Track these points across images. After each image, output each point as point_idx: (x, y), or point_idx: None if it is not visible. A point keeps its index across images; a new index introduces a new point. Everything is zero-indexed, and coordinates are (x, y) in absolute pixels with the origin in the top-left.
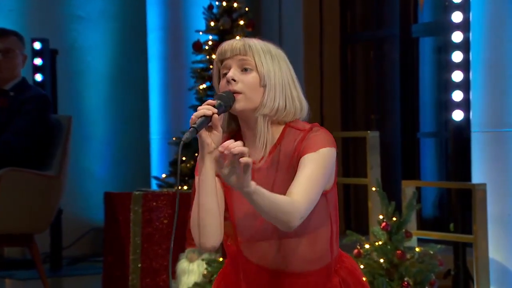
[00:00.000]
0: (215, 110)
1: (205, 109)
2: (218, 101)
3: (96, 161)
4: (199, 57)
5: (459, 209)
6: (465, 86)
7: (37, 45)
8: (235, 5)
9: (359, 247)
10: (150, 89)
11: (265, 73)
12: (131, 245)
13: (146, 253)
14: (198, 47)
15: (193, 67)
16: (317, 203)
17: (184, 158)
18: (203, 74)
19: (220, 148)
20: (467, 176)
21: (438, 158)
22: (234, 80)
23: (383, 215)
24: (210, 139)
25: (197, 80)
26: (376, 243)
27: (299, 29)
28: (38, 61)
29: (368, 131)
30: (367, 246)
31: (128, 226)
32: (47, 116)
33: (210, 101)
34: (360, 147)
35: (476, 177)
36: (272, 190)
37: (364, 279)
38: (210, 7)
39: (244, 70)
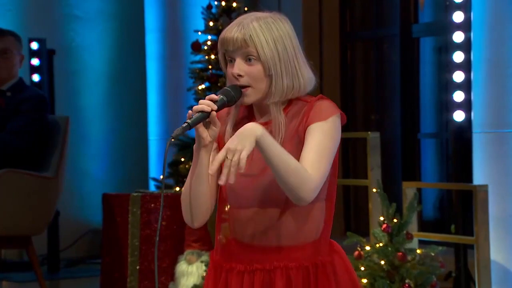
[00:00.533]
0: (215, 107)
1: (205, 105)
2: (221, 97)
3: (93, 162)
4: (198, 57)
5: (460, 210)
6: (466, 86)
7: (34, 45)
8: (234, 4)
9: (359, 249)
10: (148, 89)
11: (269, 61)
12: (129, 247)
13: (144, 255)
14: (196, 47)
15: (191, 67)
16: None
17: (182, 159)
18: (202, 75)
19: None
20: (469, 177)
21: (439, 159)
22: (240, 76)
23: (383, 217)
24: (206, 133)
25: (196, 81)
26: (377, 245)
27: (298, 28)
28: (35, 61)
29: (369, 132)
30: (367, 248)
31: (126, 228)
32: (44, 116)
33: (212, 96)
34: (360, 148)
35: (478, 178)
36: None
37: (354, 276)
38: (209, 6)
39: (248, 60)
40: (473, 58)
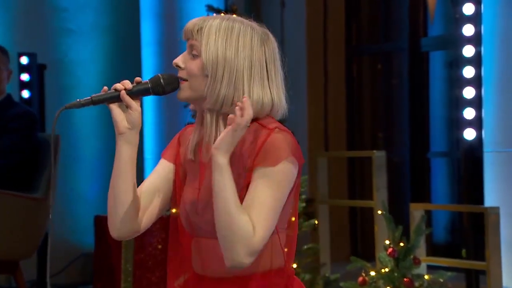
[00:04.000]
0: (129, 87)
1: (120, 83)
2: (146, 82)
3: (86, 183)
4: None
5: (471, 234)
6: (477, 103)
7: (24, 60)
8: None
9: (364, 275)
10: (144, 106)
11: (208, 60)
12: (123, 272)
13: (138, 281)
14: None
15: None
16: None
17: None
18: None
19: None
20: (480, 198)
21: (450, 179)
22: (179, 67)
23: (389, 240)
24: (122, 117)
25: None
26: (382, 270)
27: (301, 41)
28: (25, 77)
29: (374, 151)
30: (372, 273)
31: (119, 252)
32: (33, 134)
33: (137, 78)
34: (367, 167)
35: (489, 199)
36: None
37: None
38: None
39: (192, 54)
40: (484, 74)
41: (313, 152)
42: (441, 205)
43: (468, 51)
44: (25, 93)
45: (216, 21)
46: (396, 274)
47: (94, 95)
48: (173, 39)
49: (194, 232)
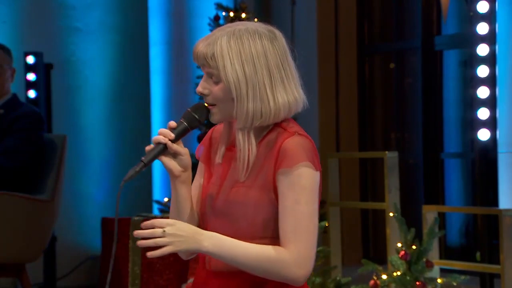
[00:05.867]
0: (171, 136)
1: (161, 135)
2: (181, 123)
3: (93, 184)
4: None
5: (485, 236)
6: (491, 103)
7: (30, 59)
8: (244, 15)
9: (375, 278)
10: (152, 106)
11: (231, 85)
12: (130, 275)
13: (146, 284)
14: None
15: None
16: (270, 211)
17: None
18: None
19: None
20: (494, 200)
21: (464, 181)
22: (204, 95)
23: (401, 243)
24: (173, 164)
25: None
26: (394, 274)
27: (313, 40)
28: (31, 76)
29: (386, 152)
30: (384, 276)
31: (127, 255)
32: (39, 135)
33: (171, 123)
34: (379, 169)
35: (504, 201)
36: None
37: None
38: (216, 18)
39: (213, 80)
40: (498, 73)
41: (324, 153)
42: (455, 207)
43: (482, 50)
44: (32, 93)
45: (224, 41)
46: (408, 278)
47: (143, 158)
48: (181, 38)
49: (208, 229)
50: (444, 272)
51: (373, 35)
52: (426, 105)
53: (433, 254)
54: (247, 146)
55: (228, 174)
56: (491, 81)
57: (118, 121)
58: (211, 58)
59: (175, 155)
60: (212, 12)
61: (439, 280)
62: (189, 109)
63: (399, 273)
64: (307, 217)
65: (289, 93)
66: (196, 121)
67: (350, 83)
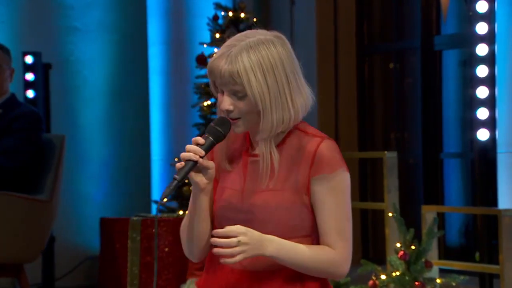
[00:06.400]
0: (202, 153)
1: (192, 152)
2: (208, 138)
3: (92, 184)
4: (203, 71)
5: (485, 236)
6: (490, 103)
7: (29, 59)
8: (242, 15)
9: (374, 278)
10: (151, 106)
11: (257, 98)
12: (129, 275)
13: (144, 284)
14: (202, 60)
15: (196, 82)
16: (302, 213)
17: (186, 181)
18: (208, 90)
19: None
20: (494, 200)
21: (463, 181)
22: (230, 111)
23: (400, 243)
24: (201, 178)
25: (201, 96)
26: (393, 274)
27: (312, 40)
28: (29, 76)
29: (385, 152)
30: (383, 276)
31: (125, 255)
32: (38, 135)
33: (198, 139)
34: (379, 169)
35: (503, 201)
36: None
37: None
38: (215, 17)
39: (237, 95)
40: (498, 73)
41: None
42: (454, 207)
43: (482, 49)
44: (30, 93)
45: (244, 56)
46: (407, 278)
47: (176, 176)
48: (180, 38)
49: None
50: (443, 272)
51: (373, 35)
52: (425, 105)
53: (432, 254)
54: (269, 153)
55: (247, 179)
56: (490, 81)
57: (117, 121)
58: (237, 75)
59: (202, 169)
60: (211, 12)
61: (438, 280)
62: (212, 124)
63: (398, 273)
64: (347, 219)
65: (303, 95)
66: (221, 136)
67: (349, 83)
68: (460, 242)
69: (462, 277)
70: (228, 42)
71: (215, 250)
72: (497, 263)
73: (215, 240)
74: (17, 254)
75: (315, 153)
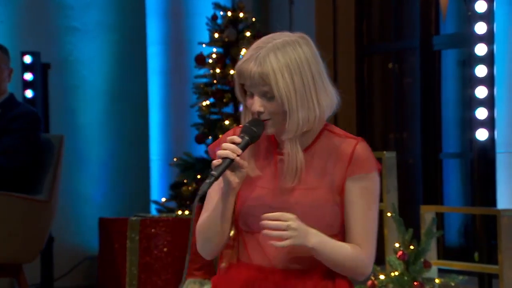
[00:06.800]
0: (239, 151)
1: (229, 150)
2: (244, 137)
3: (90, 184)
4: (202, 71)
5: (484, 236)
6: (489, 103)
7: (27, 59)
8: (241, 15)
9: (373, 278)
10: (150, 106)
11: (284, 99)
12: (127, 276)
13: (143, 284)
14: (201, 60)
15: (195, 82)
16: (334, 211)
17: (185, 181)
18: (207, 90)
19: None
20: (493, 200)
21: (463, 181)
22: (261, 113)
23: (399, 243)
24: (234, 177)
25: (200, 96)
26: (392, 274)
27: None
28: (28, 76)
29: (384, 152)
30: (382, 277)
31: (124, 255)
32: (36, 135)
33: (234, 138)
34: None
35: (502, 201)
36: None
37: None
38: (214, 17)
39: (266, 96)
40: (497, 73)
41: None
42: (453, 207)
43: (481, 49)
44: (29, 93)
45: (272, 57)
46: (406, 278)
47: (213, 172)
48: (179, 38)
49: (255, 229)
50: (442, 272)
51: (372, 35)
52: (424, 105)
53: (431, 254)
54: (295, 153)
55: (278, 177)
56: (489, 81)
57: (116, 121)
58: (266, 77)
59: (236, 168)
60: (210, 12)
61: (437, 281)
62: (248, 124)
63: (397, 273)
64: (374, 221)
65: (329, 95)
66: (256, 136)
67: (348, 83)
68: (459, 242)
69: (461, 277)
70: (255, 45)
71: (265, 231)
72: (496, 263)
73: (266, 222)
74: (15, 255)
75: (352, 154)
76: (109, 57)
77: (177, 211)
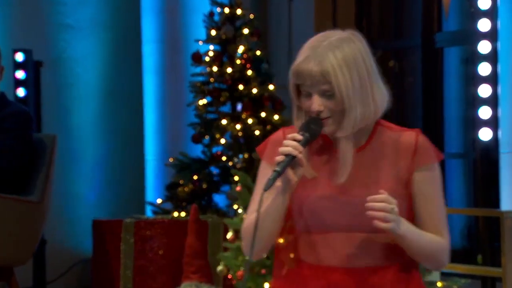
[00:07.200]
0: (301, 149)
1: (291, 147)
2: (305, 135)
3: (84, 185)
4: (199, 69)
5: (487, 239)
6: (493, 101)
7: (19, 57)
8: (239, 12)
9: None
10: (145, 105)
11: (344, 97)
12: (122, 279)
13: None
14: (197, 58)
15: (192, 80)
16: (402, 205)
17: (181, 182)
18: (203, 88)
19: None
20: (496, 202)
21: (465, 182)
22: (321, 111)
23: None
24: (293, 175)
25: (197, 95)
26: None
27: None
28: (20, 74)
29: None
30: None
31: (119, 258)
32: (28, 134)
33: (295, 135)
34: None
35: (506, 203)
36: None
37: None
38: (211, 14)
39: (325, 95)
40: (500, 71)
41: None
42: (456, 208)
43: (484, 47)
44: (21, 92)
45: (331, 56)
46: None
47: (277, 168)
48: (175, 35)
49: (323, 228)
50: (444, 275)
51: (372, 32)
52: (426, 104)
53: None
54: (349, 150)
55: (337, 175)
56: (493, 79)
57: (110, 120)
58: (327, 75)
59: (297, 165)
60: (206, 8)
61: (439, 284)
62: (308, 123)
63: None
64: (445, 209)
65: (382, 91)
66: (317, 134)
67: None
68: (462, 244)
69: (463, 281)
70: (308, 44)
71: (370, 212)
72: (499, 265)
73: (372, 204)
74: (7, 257)
75: (416, 146)
76: (103, 55)
77: (173, 212)
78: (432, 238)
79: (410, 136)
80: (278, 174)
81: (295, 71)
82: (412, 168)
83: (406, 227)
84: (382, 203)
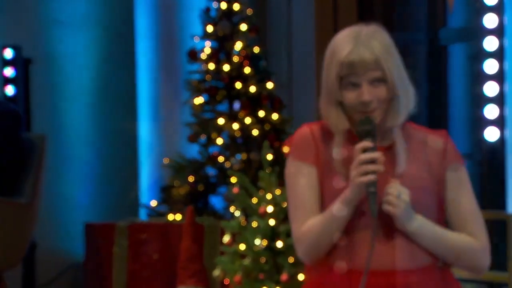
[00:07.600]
0: (382, 161)
1: (374, 163)
2: (372, 142)
3: (75, 187)
4: (195, 66)
5: (493, 242)
6: (499, 100)
7: (8, 53)
8: (236, 7)
9: None
10: (138, 104)
11: (395, 82)
12: (115, 284)
13: None
14: (193, 55)
15: (188, 78)
16: (429, 205)
17: (176, 183)
18: (199, 86)
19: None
20: (502, 204)
21: (473, 183)
22: (372, 101)
23: None
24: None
25: (193, 93)
26: None
27: (310, 34)
28: (9, 72)
29: None
30: None
31: (111, 262)
32: (17, 134)
33: (366, 145)
34: None
35: None
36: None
37: None
38: (207, 9)
39: (374, 83)
40: (508, 68)
41: None
42: None
43: (490, 43)
44: (10, 90)
45: (377, 43)
46: None
47: (371, 189)
48: (170, 32)
49: (361, 223)
50: None
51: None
52: (431, 103)
53: None
54: (401, 141)
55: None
56: (499, 77)
57: (102, 120)
58: (379, 61)
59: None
60: (203, 3)
61: None
62: (363, 126)
63: None
64: (479, 211)
65: (411, 83)
66: (375, 134)
67: None
68: None
69: (469, 286)
70: (346, 38)
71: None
72: (505, 270)
73: (385, 189)
74: None
75: (446, 145)
76: (95, 52)
77: (168, 215)
78: (460, 238)
79: (439, 136)
80: (376, 194)
81: (346, 62)
82: (445, 166)
83: (419, 224)
84: (392, 188)
